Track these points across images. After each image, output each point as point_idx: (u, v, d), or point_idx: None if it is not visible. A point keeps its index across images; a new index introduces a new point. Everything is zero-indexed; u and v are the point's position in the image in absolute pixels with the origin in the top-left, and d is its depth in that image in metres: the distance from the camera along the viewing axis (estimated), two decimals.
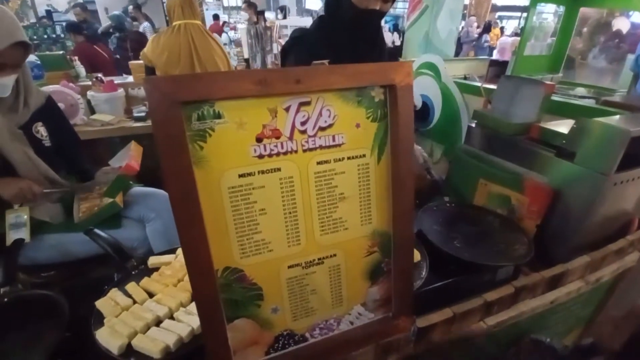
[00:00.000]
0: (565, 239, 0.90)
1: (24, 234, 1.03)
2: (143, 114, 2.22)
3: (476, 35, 7.92)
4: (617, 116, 0.99)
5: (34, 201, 1.06)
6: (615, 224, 0.96)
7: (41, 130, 1.13)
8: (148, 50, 1.98)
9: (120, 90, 2.30)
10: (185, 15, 1.95)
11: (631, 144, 0.77)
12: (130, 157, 1.08)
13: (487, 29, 8.27)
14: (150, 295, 0.71)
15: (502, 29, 9.04)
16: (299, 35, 1.18)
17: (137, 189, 1.26)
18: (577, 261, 0.81)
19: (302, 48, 1.13)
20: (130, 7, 6.03)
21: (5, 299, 0.74)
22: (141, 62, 2.22)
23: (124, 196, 1.19)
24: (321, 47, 1.09)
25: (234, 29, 7.75)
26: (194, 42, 1.97)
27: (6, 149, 1.02)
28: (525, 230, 0.92)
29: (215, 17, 7.39)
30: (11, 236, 1.02)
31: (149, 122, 2.18)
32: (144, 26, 5.75)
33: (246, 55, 4.16)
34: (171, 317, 0.66)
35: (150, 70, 2.00)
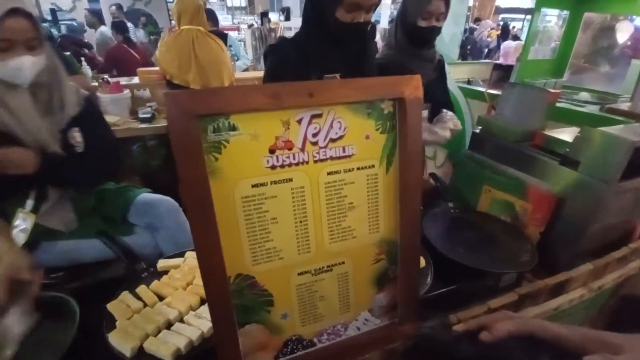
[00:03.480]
0: (568, 246, 0.91)
1: (22, 239, 1.01)
2: (148, 115, 2.23)
3: (490, 39, 7.28)
4: (621, 125, 1.00)
5: None
6: (618, 231, 0.96)
7: (76, 135, 1.03)
8: (158, 51, 2.20)
9: (126, 92, 2.32)
10: (193, 23, 2.13)
11: (635, 154, 0.78)
12: None
13: (505, 33, 6.95)
14: (160, 298, 0.73)
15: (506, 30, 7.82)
16: (276, 44, 1.19)
17: (143, 196, 1.22)
18: (580, 269, 0.82)
19: (275, 56, 1.14)
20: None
21: None
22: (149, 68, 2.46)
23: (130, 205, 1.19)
24: (295, 57, 1.09)
25: (237, 29, 7.73)
26: (194, 45, 2.12)
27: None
28: (528, 237, 0.93)
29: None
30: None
31: (154, 124, 2.20)
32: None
33: (250, 57, 4.18)
34: (181, 320, 0.67)
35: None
